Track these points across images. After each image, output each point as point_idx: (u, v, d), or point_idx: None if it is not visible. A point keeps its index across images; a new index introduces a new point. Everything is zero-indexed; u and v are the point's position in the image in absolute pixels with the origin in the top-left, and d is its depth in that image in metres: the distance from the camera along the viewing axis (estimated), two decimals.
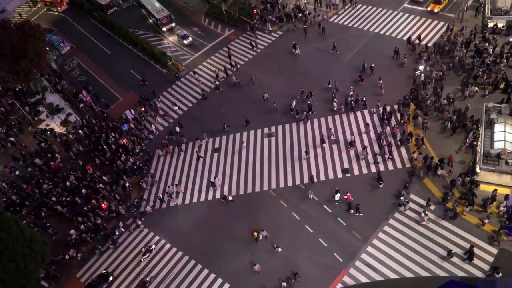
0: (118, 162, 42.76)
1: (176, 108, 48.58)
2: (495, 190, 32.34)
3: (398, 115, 40.83)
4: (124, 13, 68.65)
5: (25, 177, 44.18)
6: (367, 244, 32.71)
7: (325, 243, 33.47)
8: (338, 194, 35.27)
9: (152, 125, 47.17)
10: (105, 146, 44.60)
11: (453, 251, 30.45)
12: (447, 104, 39.38)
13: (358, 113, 42.41)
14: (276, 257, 33.12)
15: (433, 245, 31.68)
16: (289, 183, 38.28)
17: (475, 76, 41.21)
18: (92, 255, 37.17)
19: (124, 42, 61.25)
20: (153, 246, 36.39)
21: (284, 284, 30.94)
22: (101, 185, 40.78)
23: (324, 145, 39.92)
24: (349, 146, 39.23)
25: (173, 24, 61.58)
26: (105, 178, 41.54)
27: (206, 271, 34.03)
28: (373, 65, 45.09)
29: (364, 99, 42.13)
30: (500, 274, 28.40)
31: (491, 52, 42.87)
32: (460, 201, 33.25)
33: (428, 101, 40.36)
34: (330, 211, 35.39)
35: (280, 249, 32.72)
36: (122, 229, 38.23)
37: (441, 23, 50.01)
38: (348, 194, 35.09)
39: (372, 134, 40.07)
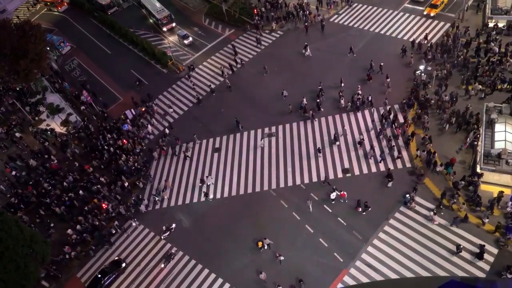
0: (120, 161, 42.76)
1: (171, 110, 48.49)
2: (502, 192, 32.10)
3: (399, 114, 40.78)
4: (124, 13, 68.67)
5: (22, 177, 44.15)
6: (367, 244, 32.70)
7: (325, 243, 33.45)
8: (334, 193, 35.34)
9: (149, 126, 47.13)
10: (103, 148, 44.56)
11: (462, 246, 30.42)
12: (448, 101, 39.37)
13: (366, 112, 42.25)
14: (279, 264, 32.78)
15: (433, 245, 31.66)
16: (290, 183, 38.27)
17: (475, 76, 41.16)
18: (90, 255, 37.12)
19: (125, 42, 61.28)
20: (173, 225, 37.37)
21: None
22: (98, 186, 40.85)
23: (337, 143, 39.88)
24: (359, 145, 39.04)
25: (174, 24, 61.60)
26: (102, 179, 41.50)
27: (206, 271, 34.02)
28: (382, 63, 44.95)
29: (370, 98, 42.07)
30: None
31: (496, 51, 42.76)
32: (466, 203, 32.99)
33: (432, 100, 40.25)
34: (330, 211, 35.37)
35: (282, 258, 32.34)
36: (118, 230, 38.25)
37: (442, 23, 49.99)
38: (343, 192, 35.11)
39: (377, 133, 40.06)
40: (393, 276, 30.54)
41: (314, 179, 37.97)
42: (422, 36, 48.06)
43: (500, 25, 45.69)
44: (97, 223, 38.19)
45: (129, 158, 43.11)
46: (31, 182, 43.07)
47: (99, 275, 34.90)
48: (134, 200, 39.89)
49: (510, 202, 31.73)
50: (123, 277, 35.35)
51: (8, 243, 30.46)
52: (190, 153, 43.39)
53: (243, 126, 44.19)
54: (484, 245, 30.00)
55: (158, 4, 62.59)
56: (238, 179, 39.97)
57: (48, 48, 56.20)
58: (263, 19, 57.17)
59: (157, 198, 40.03)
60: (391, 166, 37.00)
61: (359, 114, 42.34)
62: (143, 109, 49.00)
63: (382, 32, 51.23)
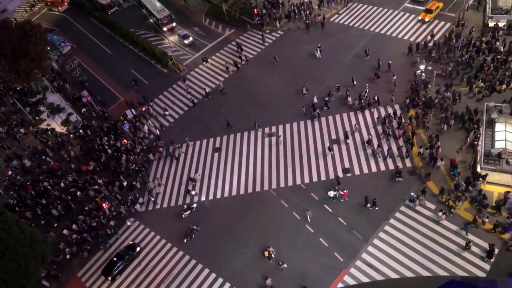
0: (121, 161, 42.77)
1: (167, 113, 48.42)
2: (508, 192, 31.94)
3: (399, 113, 40.75)
4: (124, 13, 68.70)
5: (18, 178, 44.16)
6: (367, 243, 32.69)
7: (325, 242, 33.44)
8: (332, 191, 35.42)
9: (145, 127, 47.15)
10: (103, 148, 44.57)
11: (471, 243, 30.38)
12: (450, 98, 39.34)
13: (373, 111, 42.18)
14: (283, 270, 32.52)
15: (433, 244, 31.65)
16: (290, 183, 38.27)
17: (476, 75, 41.15)
18: (85, 256, 37.16)
19: (125, 42, 61.31)
20: (194, 205, 38.15)
21: None
22: (96, 187, 40.90)
23: (348, 140, 39.86)
24: (367, 144, 38.95)
25: (174, 24, 61.60)
26: (100, 181, 41.51)
27: (206, 270, 34.03)
28: (390, 62, 44.85)
29: (377, 97, 42.03)
30: None
31: (502, 50, 42.69)
32: (472, 205, 32.84)
33: (436, 100, 40.20)
34: (330, 210, 35.37)
35: (285, 265, 32.15)
36: (113, 230, 38.32)
37: (442, 23, 49.97)
38: (345, 191, 35.17)
39: (380, 132, 40.15)
40: (394, 275, 30.53)
41: (315, 179, 37.96)
42: (427, 35, 48.03)
43: (501, 24, 45.64)
44: (94, 224, 38.23)
45: (129, 158, 43.11)
46: (28, 183, 43.03)
47: (115, 258, 35.61)
48: (131, 199, 39.96)
49: (510, 202, 31.71)
50: (123, 277, 35.37)
51: (9, 242, 30.50)
52: (178, 154, 43.32)
53: (242, 126, 44.20)
54: (494, 244, 29.82)
55: (158, 4, 62.62)
56: (238, 179, 39.97)
57: (48, 48, 56.24)
58: (263, 18, 57.13)
59: (152, 199, 40.10)
60: (391, 166, 37.00)
61: (366, 113, 42.19)
62: (144, 109, 49.02)
63: (383, 32, 51.20)
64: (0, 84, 56.76)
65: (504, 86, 39.70)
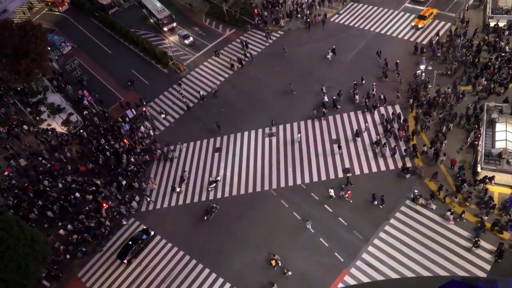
0: (122, 160, 42.80)
1: (163, 116, 48.36)
2: None
3: (400, 113, 40.76)
4: (125, 13, 68.75)
5: (14, 178, 44.13)
6: (368, 243, 32.69)
7: (326, 242, 33.44)
8: (332, 190, 35.43)
9: (142, 128, 47.09)
10: (104, 148, 44.53)
11: (480, 242, 30.34)
12: (452, 96, 39.35)
13: (380, 110, 42.14)
14: (288, 278, 32.18)
15: (434, 244, 31.65)
16: (290, 183, 38.27)
17: (476, 75, 41.16)
18: (79, 256, 37.16)
19: (125, 42, 61.34)
20: (219, 178, 39.82)
21: None
22: (93, 188, 40.91)
23: (357, 138, 39.85)
24: (375, 145, 38.76)
25: (174, 24, 61.63)
26: (98, 182, 41.47)
27: (207, 270, 34.03)
28: (398, 61, 44.81)
29: (383, 96, 42.06)
30: None
31: (507, 49, 42.64)
32: (478, 207, 32.73)
33: (440, 99, 40.17)
34: (331, 210, 35.37)
35: (290, 273, 31.77)
36: (108, 230, 38.34)
37: (442, 22, 49.98)
38: (349, 192, 35.14)
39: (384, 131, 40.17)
40: (394, 275, 30.52)
41: (315, 178, 37.95)
42: (431, 35, 48.06)
43: (501, 24, 45.66)
44: (92, 224, 38.22)
45: (130, 158, 43.12)
46: (26, 184, 42.92)
47: (130, 242, 36.33)
48: (128, 198, 40.05)
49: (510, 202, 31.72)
50: (123, 276, 35.38)
51: (9, 242, 30.52)
52: (171, 157, 43.43)
53: (243, 126, 44.23)
54: (503, 243, 29.79)
55: (158, 4, 62.66)
56: (238, 179, 39.97)
57: (49, 48, 56.25)
58: (264, 17, 57.21)
59: (149, 199, 40.19)
60: (391, 166, 37.03)
61: (368, 112, 42.19)
62: (144, 109, 49.04)
63: (383, 32, 51.21)
64: (1, 84, 56.76)
65: (502, 89, 39.65)
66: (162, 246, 36.62)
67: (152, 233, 37.26)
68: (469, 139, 36.49)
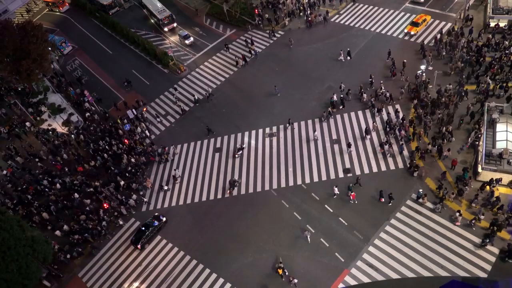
0: (123, 160, 42.82)
1: (158, 120, 48.21)
2: None
3: (402, 113, 40.75)
4: (126, 14, 68.84)
5: (12, 178, 44.18)
6: (368, 244, 32.67)
7: (326, 243, 33.43)
8: (336, 188, 35.47)
9: (138, 129, 47.03)
10: (104, 149, 44.57)
11: (488, 240, 30.34)
12: (454, 95, 39.32)
13: (388, 108, 42.18)
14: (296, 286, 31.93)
15: (434, 244, 31.61)
16: (291, 183, 38.28)
17: (477, 75, 41.11)
18: (74, 256, 37.13)
19: (126, 42, 61.40)
20: (244, 145, 41.77)
21: None
22: (91, 189, 40.94)
23: (367, 136, 39.86)
24: (380, 148, 38.68)
25: (175, 24, 61.70)
26: (97, 183, 41.47)
27: (207, 270, 34.04)
28: (405, 60, 44.76)
29: (389, 94, 42.06)
30: None
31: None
32: (485, 209, 32.57)
33: (443, 98, 40.14)
34: (331, 211, 35.37)
35: (296, 280, 31.42)
36: (103, 230, 38.37)
37: (443, 22, 49.98)
38: (353, 193, 35.15)
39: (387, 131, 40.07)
40: (395, 276, 30.52)
41: (315, 179, 37.95)
42: (435, 34, 48.18)
43: (501, 24, 45.63)
44: (90, 226, 38.25)
45: (130, 158, 43.14)
46: (24, 185, 42.89)
47: (143, 228, 36.94)
48: (125, 198, 40.07)
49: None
50: (124, 276, 35.41)
51: (10, 242, 30.60)
52: (165, 160, 43.52)
53: (243, 126, 44.27)
54: (511, 244, 29.66)
55: (159, 5, 62.74)
56: (238, 179, 39.99)
57: (50, 49, 56.30)
58: (267, 17, 57.30)
59: (145, 199, 40.23)
60: (392, 166, 36.99)
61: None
62: (145, 109, 49.05)
63: (383, 32, 51.21)
64: (2, 85, 56.82)
65: (502, 92, 39.64)
66: (162, 246, 36.61)
67: (164, 219, 37.73)
68: (469, 139, 36.46)
